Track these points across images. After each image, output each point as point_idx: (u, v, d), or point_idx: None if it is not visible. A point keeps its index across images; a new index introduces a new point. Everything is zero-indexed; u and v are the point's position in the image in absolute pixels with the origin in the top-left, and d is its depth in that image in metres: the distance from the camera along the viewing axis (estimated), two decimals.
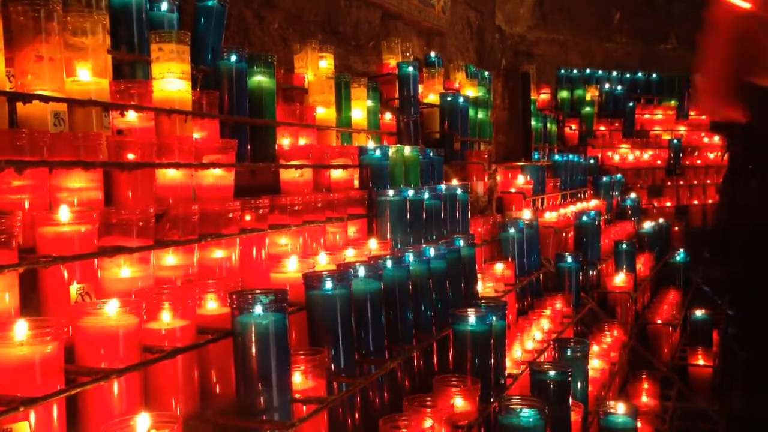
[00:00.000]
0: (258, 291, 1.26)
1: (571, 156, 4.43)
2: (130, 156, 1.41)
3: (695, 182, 5.60)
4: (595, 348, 2.69)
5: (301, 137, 2.11)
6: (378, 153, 2.19)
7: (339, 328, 1.44)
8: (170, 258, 1.45)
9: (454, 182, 2.65)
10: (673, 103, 6.09)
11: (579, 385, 2.28)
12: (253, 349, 1.23)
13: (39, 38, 1.32)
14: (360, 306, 1.50)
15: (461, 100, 3.15)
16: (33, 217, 1.20)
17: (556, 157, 4.24)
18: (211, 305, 1.40)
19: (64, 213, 1.19)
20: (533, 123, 4.00)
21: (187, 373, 1.29)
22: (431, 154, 2.56)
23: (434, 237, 2.20)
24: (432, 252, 1.89)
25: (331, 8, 3.07)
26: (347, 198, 1.98)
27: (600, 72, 5.97)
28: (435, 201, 2.25)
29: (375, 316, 1.55)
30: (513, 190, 3.34)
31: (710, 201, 5.46)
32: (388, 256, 1.72)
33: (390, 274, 1.65)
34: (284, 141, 2.05)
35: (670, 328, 3.62)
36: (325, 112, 2.23)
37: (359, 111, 2.44)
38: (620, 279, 3.50)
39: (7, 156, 1.18)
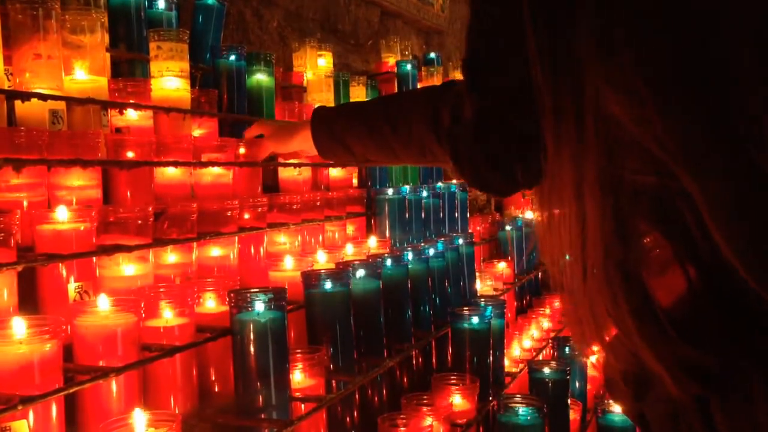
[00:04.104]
0: (257, 289, 1.26)
1: None
2: (129, 154, 1.41)
3: None
4: (593, 346, 2.69)
5: None
6: None
7: (338, 327, 1.44)
8: (169, 256, 1.45)
9: (453, 181, 2.65)
10: None
11: (578, 383, 2.28)
12: (252, 348, 1.23)
13: (37, 36, 1.31)
14: (358, 304, 1.50)
15: None
16: (31, 216, 1.20)
17: None
18: (210, 303, 1.40)
19: (62, 211, 1.19)
20: None
21: (186, 371, 1.29)
22: None
23: (433, 235, 2.20)
24: (431, 250, 1.89)
25: (330, 6, 3.06)
26: (346, 196, 1.98)
27: None
28: (434, 199, 2.25)
29: (374, 315, 1.55)
30: None
31: None
32: (386, 255, 1.72)
33: (389, 272, 1.65)
34: None
35: None
36: None
37: None
38: None
39: (6, 154, 1.18)
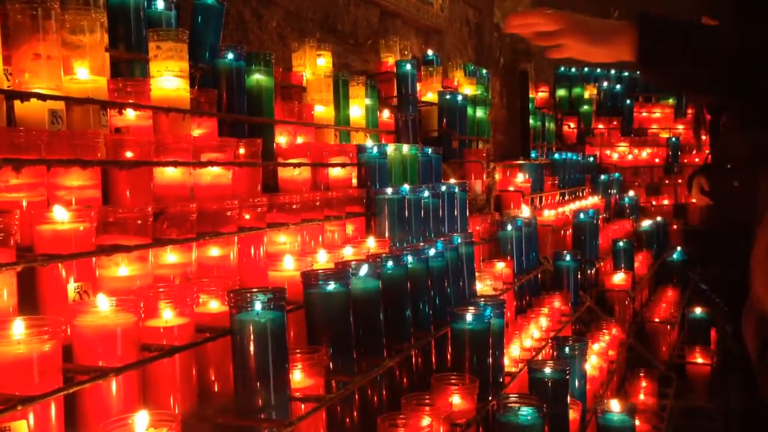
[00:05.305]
0: (256, 289, 1.25)
1: (569, 154, 4.43)
2: (128, 154, 1.40)
3: None
4: (593, 346, 2.69)
5: (299, 136, 2.10)
6: (376, 151, 2.19)
7: (337, 327, 1.43)
8: (168, 256, 1.45)
9: (453, 181, 2.65)
10: (671, 101, 6.08)
11: (577, 383, 2.28)
12: (252, 348, 1.23)
13: (37, 36, 1.31)
14: (358, 304, 1.50)
15: (459, 98, 3.15)
16: (31, 216, 1.20)
17: (555, 155, 4.25)
18: (210, 304, 1.39)
19: (62, 211, 1.19)
20: (531, 121, 4.00)
21: (186, 371, 1.28)
22: (430, 152, 2.56)
23: (433, 235, 2.20)
24: (430, 250, 1.89)
25: (330, 6, 3.06)
26: (345, 196, 1.98)
27: (598, 70, 5.94)
28: (433, 199, 2.25)
29: (373, 315, 1.55)
30: (511, 188, 3.34)
31: None
32: (386, 255, 1.72)
33: (388, 272, 1.65)
34: (282, 139, 2.05)
35: (668, 326, 3.62)
36: (323, 111, 2.22)
37: (357, 109, 2.44)
38: (618, 277, 3.50)
39: (5, 154, 1.18)
